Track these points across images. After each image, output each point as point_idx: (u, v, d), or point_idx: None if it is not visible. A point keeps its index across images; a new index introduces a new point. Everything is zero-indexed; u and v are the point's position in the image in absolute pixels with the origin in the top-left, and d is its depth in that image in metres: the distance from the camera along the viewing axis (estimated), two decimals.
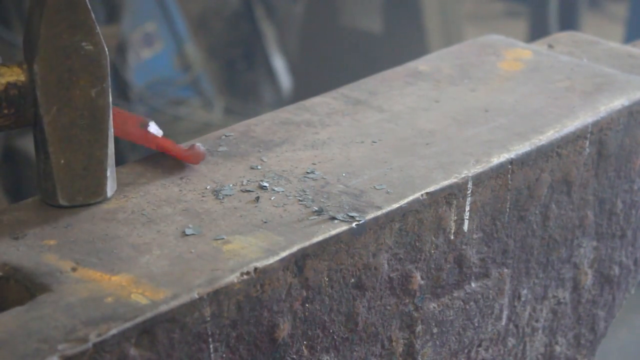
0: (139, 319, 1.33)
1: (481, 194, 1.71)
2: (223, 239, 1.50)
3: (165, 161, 1.70)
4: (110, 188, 1.60)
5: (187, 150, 1.68)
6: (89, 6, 1.53)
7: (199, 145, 1.68)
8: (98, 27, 1.55)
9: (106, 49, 1.55)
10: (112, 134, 1.59)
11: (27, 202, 1.60)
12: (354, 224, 1.55)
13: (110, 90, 1.58)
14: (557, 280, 1.93)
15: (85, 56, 1.54)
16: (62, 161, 1.56)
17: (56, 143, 1.55)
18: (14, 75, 1.53)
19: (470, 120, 1.86)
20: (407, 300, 1.66)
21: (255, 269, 1.44)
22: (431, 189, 1.64)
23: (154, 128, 1.71)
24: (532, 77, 2.04)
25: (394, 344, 1.67)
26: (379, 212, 1.58)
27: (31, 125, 1.57)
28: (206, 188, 1.63)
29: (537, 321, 1.93)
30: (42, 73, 1.52)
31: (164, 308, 1.36)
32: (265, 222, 1.54)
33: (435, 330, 1.72)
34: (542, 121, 1.85)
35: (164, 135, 1.75)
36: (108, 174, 1.59)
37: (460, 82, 2.01)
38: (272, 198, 1.61)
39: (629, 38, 5.34)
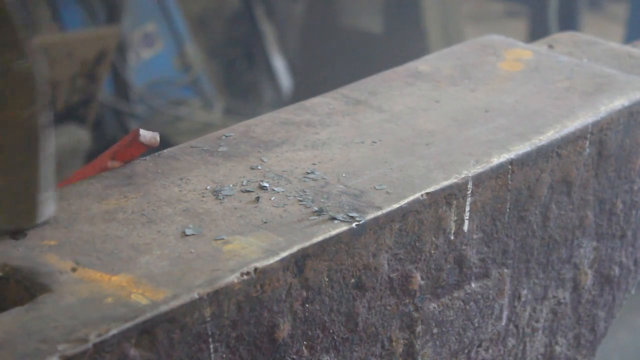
0: (139, 319, 1.33)
1: (481, 194, 1.71)
2: (223, 239, 1.50)
3: (165, 161, 1.70)
4: (46, 212, 1.51)
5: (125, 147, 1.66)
6: (19, 24, 1.43)
7: (143, 134, 1.65)
8: (31, 45, 1.45)
9: (41, 67, 1.46)
10: (50, 155, 1.50)
11: None
12: (354, 224, 1.55)
13: (47, 109, 1.48)
14: (557, 281, 1.93)
15: (17, 76, 1.44)
16: None
17: None
18: None
19: (470, 120, 1.86)
20: (407, 301, 1.66)
21: (255, 269, 1.44)
22: (431, 189, 1.64)
23: (144, 137, 1.69)
24: (532, 77, 2.04)
25: (394, 344, 1.67)
26: (379, 212, 1.58)
27: None
28: (206, 188, 1.63)
29: (537, 321, 1.93)
30: None
31: (164, 308, 1.35)
32: (266, 222, 1.54)
33: (435, 330, 1.72)
34: (542, 121, 1.85)
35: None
36: (42, 197, 1.50)
37: (460, 82, 2.01)
38: (272, 198, 1.61)
39: (629, 38, 5.33)
